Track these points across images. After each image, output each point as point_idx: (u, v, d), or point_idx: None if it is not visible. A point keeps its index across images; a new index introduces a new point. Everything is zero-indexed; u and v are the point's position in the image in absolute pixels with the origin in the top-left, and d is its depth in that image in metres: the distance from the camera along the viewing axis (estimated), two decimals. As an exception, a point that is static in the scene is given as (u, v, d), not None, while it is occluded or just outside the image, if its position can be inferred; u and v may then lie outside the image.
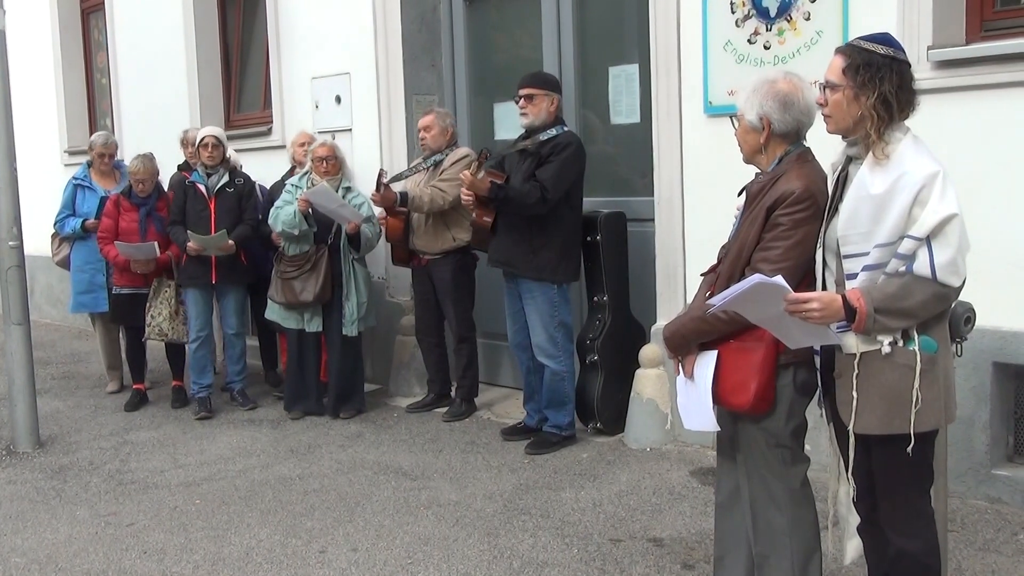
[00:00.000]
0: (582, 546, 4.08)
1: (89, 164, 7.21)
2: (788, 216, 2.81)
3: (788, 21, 4.75)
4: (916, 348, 2.59)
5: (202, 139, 6.32)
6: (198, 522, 4.54)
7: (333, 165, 6.11)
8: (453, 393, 6.23)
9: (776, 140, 2.93)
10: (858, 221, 2.62)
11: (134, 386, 6.81)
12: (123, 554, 4.21)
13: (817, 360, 2.87)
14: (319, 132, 6.98)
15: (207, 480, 5.14)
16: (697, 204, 5.19)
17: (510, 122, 6.23)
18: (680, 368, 3.06)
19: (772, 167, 2.94)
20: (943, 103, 4.15)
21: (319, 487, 4.94)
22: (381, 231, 6.16)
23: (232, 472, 5.26)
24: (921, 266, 2.53)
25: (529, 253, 5.24)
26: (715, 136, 4.95)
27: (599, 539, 4.15)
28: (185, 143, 7.05)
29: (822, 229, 2.79)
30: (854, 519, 2.95)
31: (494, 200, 5.21)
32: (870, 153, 2.65)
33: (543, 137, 5.24)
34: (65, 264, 7.19)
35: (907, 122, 2.68)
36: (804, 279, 2.84)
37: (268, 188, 6.84)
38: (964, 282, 2.60)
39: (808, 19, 4.68)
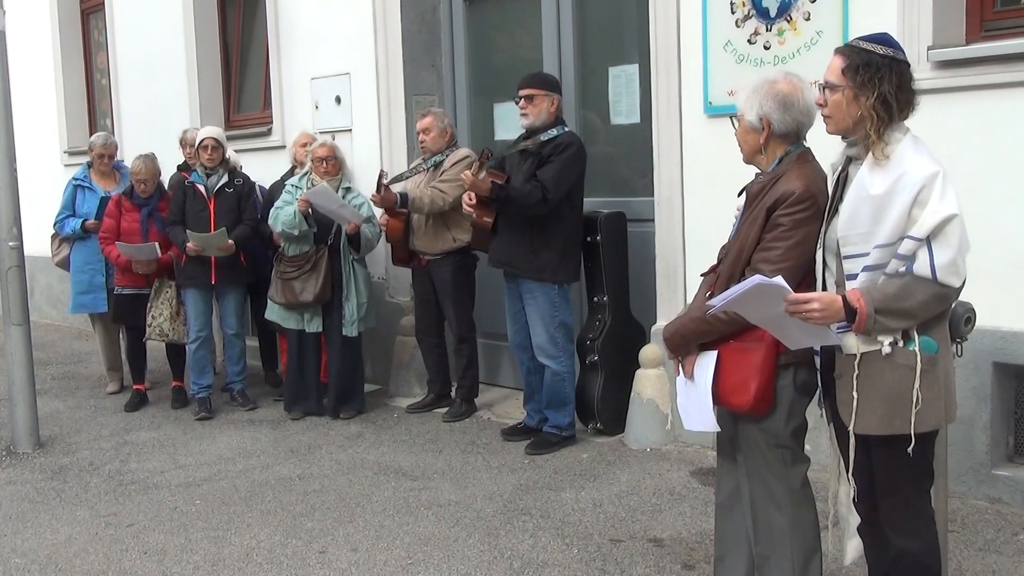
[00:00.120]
0: (582, 546, 4.07)
1: (89, 165, 7.21)
2: (788, 216, 2.81)
3: (788, 21, 4.75)
4: (916, 348, 2.59)
5: (201, 141, 6.32)
6: (198, 522, 4.54)
7: (333, 165, 6.11)
8: (453, 393, 6.23)
9: (776, 140, 2.93)
10: (858, 222, 2.62)
11: (134, 386, 6.81)
12: (123, 554, 4.21)
13: (817, 360, 2.87)
14: (319, 132, 6.97)
15: (207, 480, 5.14)
16: (697, 204, 5.19)
17: (510, 122, 6.22)
18: (680, 368, 3.06)
19: (772, 167, 2.94)
20: (943, 103, 4.15)
21: (319, 487, 4.94)
22: (381, 232, 6.16)
23: (232, 473, 5.26)
24: (921, 266, 2.53)
25: (530, 253, 5.24)
26: (715, 136, 4.95)
27: (599, 539, 4.14)
28: (184, 143, 7.05)
29: (822, 230, 2.79)
30: (854, 519, 2.95)
31: (495, 200, 5.21)
32: (870, 154, 2.64)
33: (544, 137, 5.24)
34: (65, 265, 7.19)
35: (907, 122, 2.68)
36: (804, 279, 2.84)
37: (267, 188, 6.84)
38: (964, 282, 2.60)
39: (808, 19, 4.68)
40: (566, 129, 5.32)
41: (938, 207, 2.51)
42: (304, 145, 6.61)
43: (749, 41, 4.89)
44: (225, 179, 6.35)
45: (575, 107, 6.01)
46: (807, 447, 3.07)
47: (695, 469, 4.95)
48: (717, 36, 5.01)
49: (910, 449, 2.60)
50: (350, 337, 6.12)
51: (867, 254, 2.60)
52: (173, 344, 6.62)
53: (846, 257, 2.67)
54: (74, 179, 7.18)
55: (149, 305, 6.48)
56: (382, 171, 6.04)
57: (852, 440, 2.70)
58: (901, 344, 2.60)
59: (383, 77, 6.81)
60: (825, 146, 2.89)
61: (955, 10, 4.34)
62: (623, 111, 5.87)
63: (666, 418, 5.23)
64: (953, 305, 2.71)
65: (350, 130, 7.06)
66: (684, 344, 3.03)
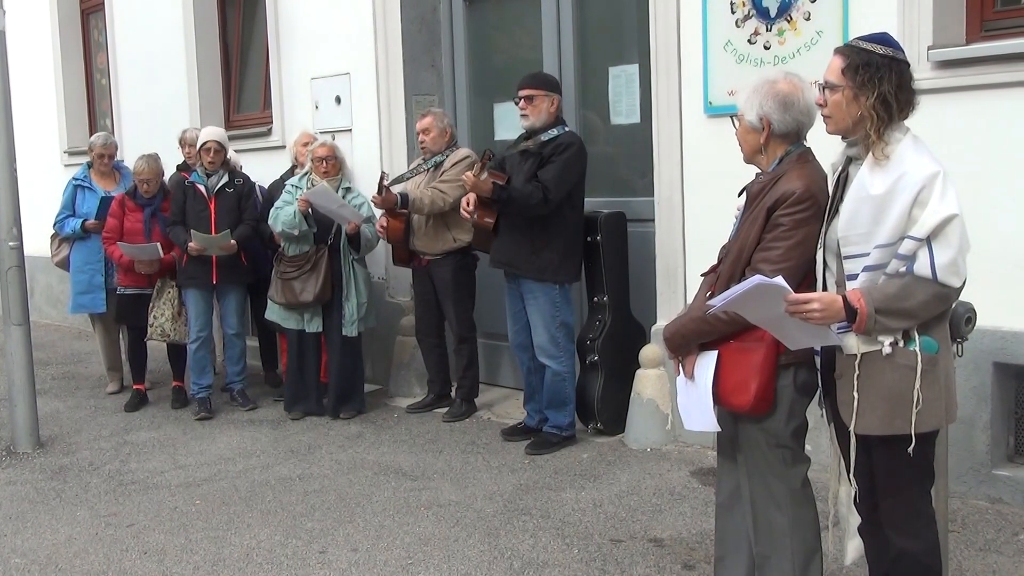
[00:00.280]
0: (582, 546, 4.07)
1: (89, 165, 7.21)
2: (789, 216, 2.81)
3: (788, 21, 4.75)
4: (917, 348, 2.59)
5: (204, 143, 6.32)
6: (198, 523, 4.54)
7: (333, 165, 6.11)
8: (453, 393, 6.23)
9: (776, 140, 2.93)
10: (858, 222, 2.62)
11: (134, 386, 6.81)
12: (123, 555, 4.21)
13: (817, 360, 2.87)
14: (319, 132, 6.97)
15: (207, 481, 5.14)
16: (697, 204, 5.18)
17: (510, 122, 6.22)
18: (680, 368, 3.06)
19: (772, 167, 2.94)
20: (943, 103, 4.15)
21: (319, 488, 4.94)
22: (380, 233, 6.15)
23: (232, 473, 5.26)
24: (922, 267, 2.53)
25: (531, 253, 5.24)
26: (715, 136, 4.95)
27: (599, 539, 4.14)
28: (183, 143, 7.04)
29: (822, 230, 2.79)
30: (855, 519, 2.95)
31: (496, 201, 5.20)
32: (870, 154, 2.64)
33: (544, 138, 5.24)
34: (64, 265, 7.19)
35: (907, 122, 2.68)
36: (804, 279, 2.84)
37: (267, 188, 6.84)
38: (965, 282, 2.60)
39: (808, 19, 4.68)
40: (566, 129, 5.32)
41: (938, 207, 2.51)
42: (305, 145, 6.61)
43: (749, 41, 4.89)
44: (225, 179, 6.35)
45: (575, 107, 6.01)
46: (807, 447, 3.07)
47: (695, 469, 4.95)
48: (717, 36, 5.01)
49: (911, 449, 2.60)
50: (350, 337, 6.12)
51: (867, 254, 2.60)
52: (174, 344, 6.62)
53: (846, 257, 2.67)
54: (74, 179, 7.17)
55: (151, 305, 6.48)
56: (383, 172, 6.04)
57: (853, 440, 2.69)
58: (902, 344, 2.60)
59: (383, 77, 6.80)
60: (825, 146, 2.89)
61: (955, 10, 4.33)
62: (623, 111, 5.87)
63: (666, 418, 5.23)
64: (953, 305, 2.71)
65: (350, 130, 7.06)
66: (684, 344, 3.02)
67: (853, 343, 2.63)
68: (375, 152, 6.90)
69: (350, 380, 6.27)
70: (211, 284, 6.34)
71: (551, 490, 4.76)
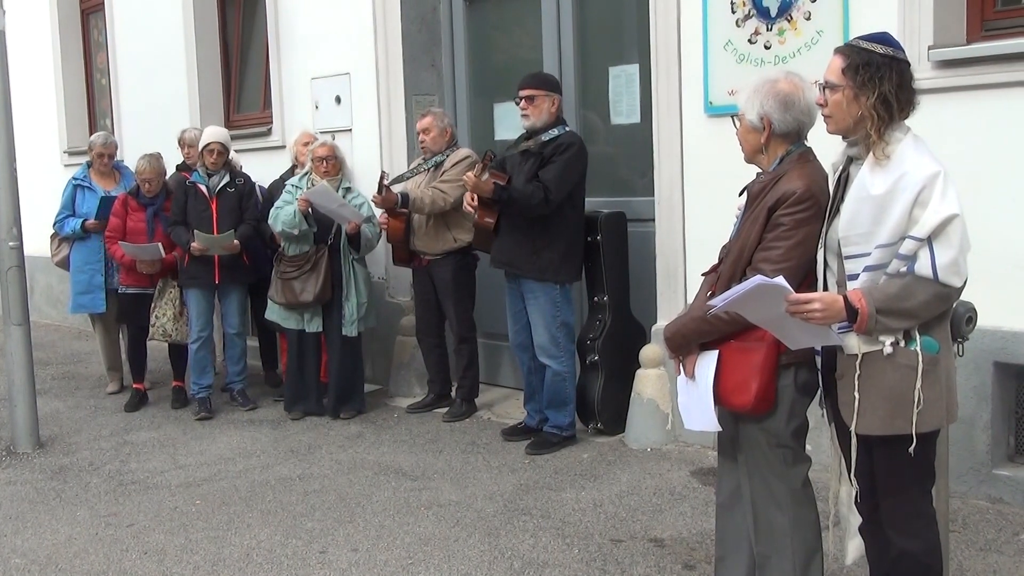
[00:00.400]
0: (583, 546, 4.07)
1: (89, 164, 7.21)
2: (789, 216, 2.81)
3: (788, 21, 4.75)
4: (918, 348, 2.59)
5: (207, 144, 6.32)
6: (198, 523, 4.54)
7: (333, 165, 6.11)
8: (453, 393, 6.23)
9: (777, 140, 2.93)
10: (859, 222, 2.62)
11: (134, 386, 6.81)
12: (123, 555, 4.21)
13: (818, 360, 2.87)
14: (319, 132, 6.97)
15: (207, 481, 5.14)
16: (697, 204, 5.18)
17: (510, 122, 6.22)
18: (681, 368, 3.06)
19: (773, 167, 2.94)
20: (944, 103, 4.14)
21: (319, 488, 4.94)
22: (381, 232, 6.15)
23: (232, 473, 5.26)
24: (923, 267, 2.53)
25: (532, 254, 5.24)
26: (715, 136, 4.95)
27: (600, 539, 4.14)
28: (183, 144, 7.04)
29: (823, 229, 2.79)
30: (855, 519, 2.94)
31: (497, 201, 5.20)
32: (871, 153, 2.64)
33: (545, 138, 5.23)
34: (64, 264, 7.19)
35: (907, 122, 2.68)
36: (805, 279, 2.83)
37: (267, 188, 6.83)
38: (966, 282, 2.60)
39: (808, 19, 4.67)
40: (567, 129, 5.32)
41: (939, 207, 2.51)
42: (305, 144, 6.60)
43: (749, 41, 4.89)
44: (227, 179, 6.36)
45: (575, 107, 6.00)
46: (808, 447, 3.07)
47: (695, 469, 4.94)
48: (717, 36, 5.01)
49: (912, 449, 2.60)
50: (350, 337, 6.12)
51: (868, 254, 2.60)
52: (175, 344, 6.62)
53: (847, 257, 2.66)
54: (74, 179, 7.17)
55: (153, 305, 6.48)
56: (383, 172, 6.04)
57: (854, 440, 2.69)
58: (903, 344, 2.60)
59: (383, 77, 6.80)
60: (826, 146, 2.89)
61: (956, 10, 4.33)
62: (623, 111, 5.87)
63: (666, 418, 5.23)
64: (954, 305, 2.70)
65: (350, 130, 7.06)
66: (685, 344, 3.02)
67: (854, 343, 2.63)
68: (375, 152, 6.89)
69: (350, 380, 6.27)
70: (213, 284, 6.35)
71: (551, 490, 4.76)
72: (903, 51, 2.69)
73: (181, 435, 6.03)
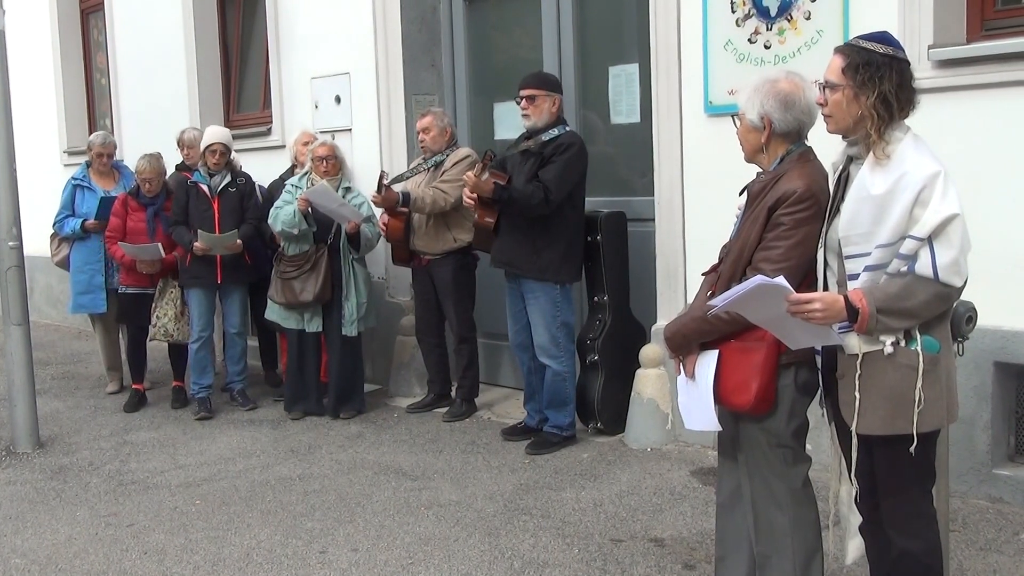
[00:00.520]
0: (583, 546, 4.07)
1: (88, 164, 7.21)
2: (790, 216, 2.81)
3: (788, 20, 4.75)
4: (918, 348, 2.59)
5: (210, 145, 6.32)
6: (198, 523, 4.53)
7: (333, 165, 6.11)
8: (453, 393, 6.23)
9: (777, 139, 2.93)
10: (859, 222, 2.61)
11: (133, 386, 6.80)
12: (123, 555, 4.21)
13: (818, 360, 2.86)
14: (319, 132, 6.97)
15: (207, 480, 5.14)
16: (697, 204, 5.18)
17: (510, 122, 6.22)
18: (681, 368, 3.06)
19: (773, 166, 2.94)
20: (944, 102, 4.14)
21: (319, 487, 4.94)
22: (380, 232, 6.15)
23: (232, 473, 5.26)
24: (923, 266, 2.53)
25: (532, 254, 5.24)
26: (715, 135, 4.95)
27: (600, 539, 4.14)
28: (182, 144, 7.04)
29: (823, 229, 2.79)
30: (856, 519, 2.94)
31: (497, 201, 5.20)
32: (871, 153, 2.64)
33: (545, 138, 5.23)
34: (64, 264, 7.18)
35: (908, 121, 2.68)
36: (805, 279, 2.83)
37: (267, 188, 6.83)
38: (966, 282, 2.59)
39: (808, 18, 4.67)
40: (567, 129, 5.32)
41: (940, 207, 2.51)
42: (305, 144, 6.61)
43: (749, 40, 4.89)
44: (228, 179, 6.36)
45: (575, 107, 6.00)
46: (808, 447, 3.07)
47: (696, 469, 4.94)
48: (717, 35, 5.00)
49: (912, 449, 2.59)
50: (350, 337, 6.12)
51: (869, 254, 2.60)
52: (175, 344, 6.61)
53: (848, 257, 2.66)
54: (73, 179, 7.17)
55: (153, 305, 6.48)
56: (383, 172, 6.04)
57: (854, 440, 2.69)
58: (903, 344, 2.60)
59: (383, 77, 6.80)
60: (826, 145, 2.89)
61: (956, 9, 4.33)
62: (623, 110, 5.87)
63: (666, 418, 5.22)
64: (954, 304, 2.70)
65: (350, 130, 7.06)
66: (685, 343, 3.02)
67: (855, 343, 2.62)
68: (375, 152, 6.89)
69: (350, 380, 6.27)
70: (215, 284, 6.35)
71: (551, 490, 4.76)
72: (903, 50, 2.69)
73: (181, 435, 6.03)
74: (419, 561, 4.00)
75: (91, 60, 10.14)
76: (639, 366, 5.38)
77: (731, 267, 2.95)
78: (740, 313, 2.75)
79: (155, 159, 6.56)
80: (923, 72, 4.01)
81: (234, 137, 6.71)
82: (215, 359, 6.77)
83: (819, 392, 2.93)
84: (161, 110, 8.51)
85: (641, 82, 5.68)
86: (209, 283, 6.35)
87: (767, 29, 4.82)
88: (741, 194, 3.04)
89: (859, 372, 2.63)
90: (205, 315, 6.42)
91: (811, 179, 2.84)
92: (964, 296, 2.68)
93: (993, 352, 4.21)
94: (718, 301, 2.70)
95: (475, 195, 5.21)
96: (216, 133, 6.45)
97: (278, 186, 6.53)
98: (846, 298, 2.57)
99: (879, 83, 2.61)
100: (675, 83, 5.20)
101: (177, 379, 6.79)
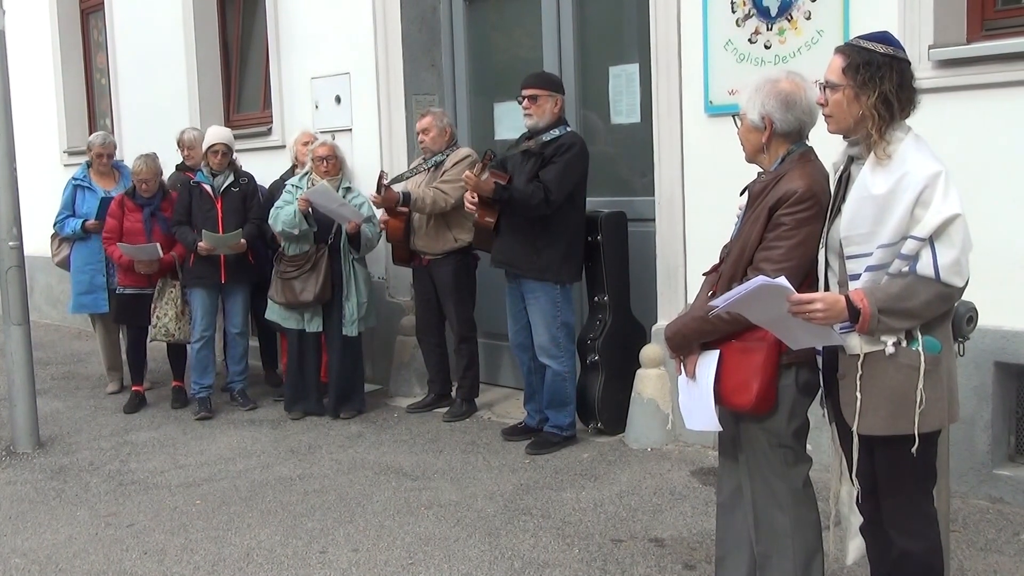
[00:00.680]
0: (583, 546, 4.07)
1: (88, 164, 7.21)
2: (791, 216, 2.81)
3: (789, 20, 4.75)
4: (920, 348, 2.59)
5: (212, 146, 6.32)
6: (198, 523, 4.53)
7: (333, 165, 6.11)
8: (454, 393, 6.22)
9: (778, 140, 2.93)
10: (860, 222, 2.61)
11: (133, 388, 6.79)
12: (123, 555, 4.21)
13: (819, 360, 2.86)
14: (319, 132, 6.97)
15: (207, 480, 5.14)
16: (698, 204, 5.18)
17: (510, 122, 6.22)
18: (682, 368, 3.06)
19: (774, 167, 2.94)
20: (944, 102, 4.14)
21: (319, 487, 4.94)
22: (381, 232, 6.15)
23: (232, 472, 5.25)
24: (924, 266, 2.53)
25: (532, 254, 5.24)
26: (716, 135, 4.95)
27: (600, 539, 4.14)
28: (182, 144, 7.03)
29: (824, 229, 2.79)
30: (856, 519, 2.94)
31: (498, 201, 5.20)
32: (872, 153, 2.64)
33: (546, 138, 5.23)
34: (65, 265, 7.18)
35: (908, 121, 2.68)
36: (806, 279, 2.83)
37: (267, 188, 6.83)
38: (967, 282, 2.59)
39: (809, 18, 4.67)
40: (568, 129, 5.31)
41: (941, 207, 2.50)
42: (305, 144, 6.60)
43: (750, 40, 4.89)
44: (231, 179, 6.37)
45: (575, 106, 6.00)
46: (808, 447, 3.07)
47: (696, 469, 4.94)
48: (717, 35, 5.00)
49: (914, 449, 2.59)
50: (350, 337, 6.12)
51: (870, 254, 2.60)
52: (174, 344, 6.61)
53: (849, 257, 2.66)
54: (73, 179, 7.17)
55: (153, 306, 6.47)
56: (382, 172, 6.04)
57: (855, 440, 2.69)
58: (904, 344, 2.60)
59: (383, 77, 6.80)
60: (827, 145, 2.89)
61: (956, 9, 4.33)
62: (623, 110, 5.87)
63: (667, 418, 5.22)
64: (955, 304, 2.70)
65: (350, 130, 7.06)
66: (686, 344, 3.02)
67: (856, 343, 2.62)
68: (375, 152, 6.89)
69: (350, 380, 6.27)
70: (219, 284, 6.35)
71: (552, 490, 4.76)
72: (904, 50, 2.69)
73: (181, 435, 6.02)
74: (419, 561, 4.00)
75: (91, 60, 10.14)
76: (639, 366, 5.38)
77: (732, 267, 2.95)
78: (741, 313, 2.74)
79: (151, 159, 6.56)
80: (923, 72, 4.01)
81: (235, 137, 6.70)
82: (215, 359, 6.77)
83: (820, 392, 2.93)
84: (161, 110, 8.51)
85: (641, 82, 5.68)
86: (213, 283, 6.35)
87: (767, 29, 4.82)
88: (742, 194, 3.04)
89: (860, 372, 2.62)
90: (208, 315, 6.42)
91: (812, 179, 2.83)
92: (965, 296, 2.68)
93: (994, 352, 4.21)
94: (719, 301, 2.70)
95: (476, 199, 5.21)
96: (217, 133, 6.45)
97: (279, 186, 6.53)
98: (847, 298, 2.57)
99: (880, 83, 2.61)
100: (675, 83, 5.20)
101: (177, 379, 6.79)
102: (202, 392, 6.48)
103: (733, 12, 4.94)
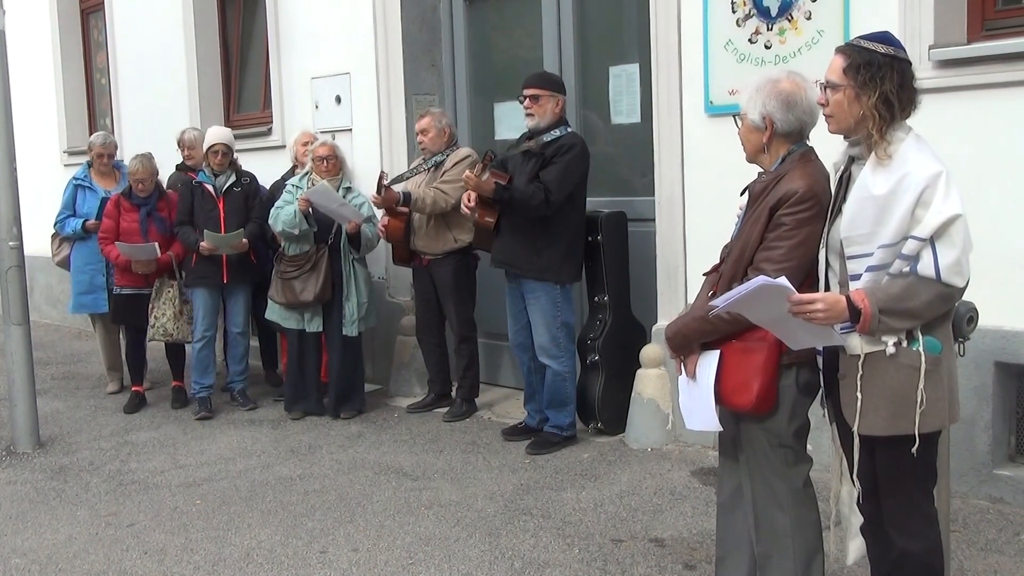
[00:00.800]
0: (583, 546, 4.07)
1: (89, 164, 7.21)
2: (791, 216, 2.80)
3: (789, 20, 4.74)
4: (920, 349, 2.59)
5: (212, 146, 6.32)
6: (198, 522, 4.53)
7: (333, 165, 6.11)
8: (454, 393, 6.22)
9: (779, 140, 2.93)
10: (861, 222, 2.61)
11: (133, 388, 6.79)
12: (123, 555, 4.21)
13: (820, 360, 2.86)
14: (320, 132, 6.97)
15: (207, 480, 5.14)
16: (698, 204, 5.18)
17: (510, 122, 6.22)
18: (682, 368, 3.06)
19: (775, 167, 2.94)
20: (945, 102, 4.14)
21: (320, 487, 4.94)
22: (380, 232, 6.15)
23: (232, 472, 5.25)
24: (925, 267, 2.53)
25: (533, 254, 5.24)
26: (716, 135, 4.95)
27: (600, 539, 4.14)
28: (182, 145, 7.03)
29: (825, 229, 2.79)
30: (856, 519, 2.94)
31: (498, 201, 5.20)
32: (872, 153, 2.64)
33: (547, 138, 5.23)
34: (65, 264, 7.19)
35: (909, 121, 2.68)
36: (806, 279, 2.83)
37: (267, 188, 6.83)
38: (968, 282, 2.59)
39: (809, 18, 4.67)
40: (569, 130, 5.31)
41: (942, 207, 2.50)
42: (305, 144, 6.60)
43: (750, 40, 4.89)
44: (233, 179, 6.37)
45: (576, 106, 6.00)
46: (808, 447, 3.07)
47: (696, 469, 4.94)
48: (718, 35, 5.00)
49: (914, 449, 2.59)
50: (350, 337, 6.12)
51: (871, 254, 2.60)
52: (173, 344, 6.61)
53: (850, 257, 2.66)
54: (74, 179, 7.17)
55: (151, 306, 6.47)
56: (382, 172, 6.04)
57: (856, 441, 2.69)
58: (905, 344, 2.60)
59: (383, 77, 6.80)
60: (828, 145, 2.89)
61: (956, 9, 4.33)
62: (624, 110, 5.86)
63: (667, 418, 5.22)
64: (956, 304, 2.70)
65: (350, 130, 7.06)
66: (686, 344, 3.02)
67: (857, 343, 2.62)
68: (375, 152, 6.89)
69: (350, 380, 6.27)
70: (221, 283, 6.36)
71: (552, 490, 4.75)
72: (904, 50, 2.68)
73: (181, 435, 6.02)
74: (419, 561, 4.00)
75: (91, 60, 10.14)
76: (639, 366, 5.38)
77: (732, 267, 2.95)
78: (742, 313, 2.74)
79: (147, 159, 6.56)
80: (924, 72, 4.01)
81: (235, 137, 6.70)
82: (216, 359, 6.78)
83: (820, 392, 2.93)
84: (161, 110, 8.51)
85: (641, 82, 5.68)
86: (215, 283, 6.35)
87: (768, 29, 4.82)
88: (742, 194, 3.04)
89: (861, 373, 2.62)
90: (210, 315, 6.42)
91: (813, 179, 2.83)
92: (965, 296, 2.68)
93: (994, 352, 4.21)
94: (719, 301, 2.70)
95: (472, 202, 5.21)
96: (218, 134, 6.46)
97: (279, 186, 6.53)
98: (848, 298, 2.57)
99: (880, 83, 2.61)
100: (675, 83, 5.20)
101: (177, 379, 6.78)
102: (202, 392, 6.47)
103: (733, 12, 4.94)
